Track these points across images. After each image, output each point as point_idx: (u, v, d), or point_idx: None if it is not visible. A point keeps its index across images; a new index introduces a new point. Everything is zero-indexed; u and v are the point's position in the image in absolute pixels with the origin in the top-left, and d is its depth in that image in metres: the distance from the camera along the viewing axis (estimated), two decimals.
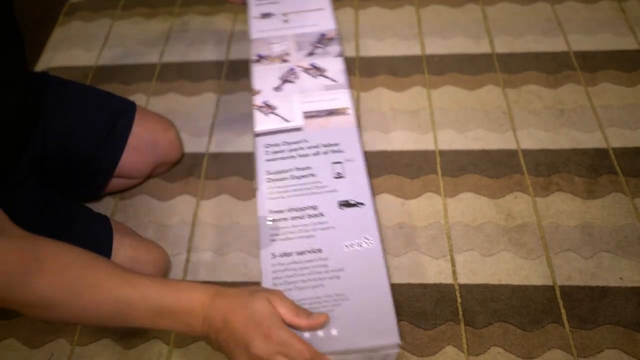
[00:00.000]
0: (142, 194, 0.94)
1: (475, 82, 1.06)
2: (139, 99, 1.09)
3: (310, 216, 0.58)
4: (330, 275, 0.54)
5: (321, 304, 0.52)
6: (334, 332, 0.50)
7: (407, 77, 1.08)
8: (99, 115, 0.83)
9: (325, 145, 0.64)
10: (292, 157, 0.63)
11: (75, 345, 0.78)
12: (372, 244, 0.56)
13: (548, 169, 0.91)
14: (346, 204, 0.59)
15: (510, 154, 0.94)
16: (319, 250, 0.56)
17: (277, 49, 0.76)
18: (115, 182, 0.90)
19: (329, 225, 0.57)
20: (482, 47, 1.12)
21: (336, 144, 0.64)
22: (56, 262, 0.48)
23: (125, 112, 0.86)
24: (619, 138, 0.94)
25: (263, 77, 0.72)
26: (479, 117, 1.00)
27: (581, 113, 0.99)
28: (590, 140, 0.95)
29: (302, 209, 0.59)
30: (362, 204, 0.59)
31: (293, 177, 0.62)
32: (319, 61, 0.74)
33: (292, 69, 0.73)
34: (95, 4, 1.32)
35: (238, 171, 0.96)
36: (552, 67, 1.07)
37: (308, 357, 0.48)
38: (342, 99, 0.69)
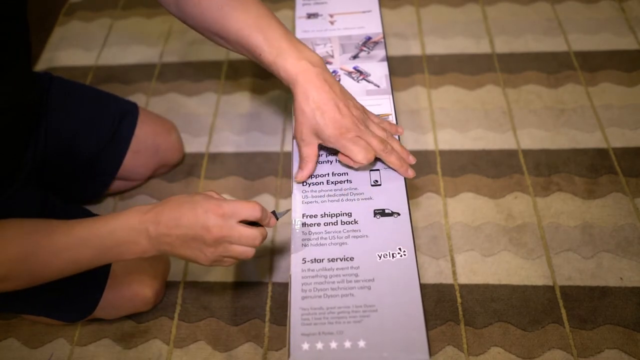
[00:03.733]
0: (142, 194, 0.94)
1: (475, 82, 1.06)
2: (139, 99, 1.09)
3: (344, 223, 0.57)
4: (361, 285, 0.53)
5: (350, 314, 0.51)
6: (362, 343, 0.49)
7: (408, 77, 1.08)
8: (101, 117, 0.83)
9: None
10: (330, 161, 0.62)
11: (75, 345, 0.78)
12: (405, 255, 0.54)
13: (548, 169, 0.91)
14: (382, 213, 0.58)
15: (511, 154, 0.94)
16: (351, 259, 0.55)
17: (320, 50, 0.75)
18: (115, 184, 0.90)
19: (362, 234, 0.56)
20: (482, 47, 1.12)
21: None
22: None
23: (128, 115, 0.86)
24: (619, 138, 0.94)
25: None
26: (479, 117, 1.00)
27: (581, 113, 0.99)
28: (590, 140, 0.95)
29: (336, 215, 0.58)
30: (398, 213, 0.58)
31: (329, 182, 0.61)
32: (363, 65, 0.73)
33: (335, 72, 0.72)
34: (95, 4, 1.32)
35: (238, 171, 0.96)
36: (553, 67, 1.06)
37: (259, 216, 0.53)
38: (384, 104, 0.68)
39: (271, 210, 0.57)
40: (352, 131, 0.56)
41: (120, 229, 0.52)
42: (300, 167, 0.60)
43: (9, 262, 0.51)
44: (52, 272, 0.53)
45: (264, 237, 0.55)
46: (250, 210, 0.53)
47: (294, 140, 0.62)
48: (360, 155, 0.56)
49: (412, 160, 0.60)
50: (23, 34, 0.66)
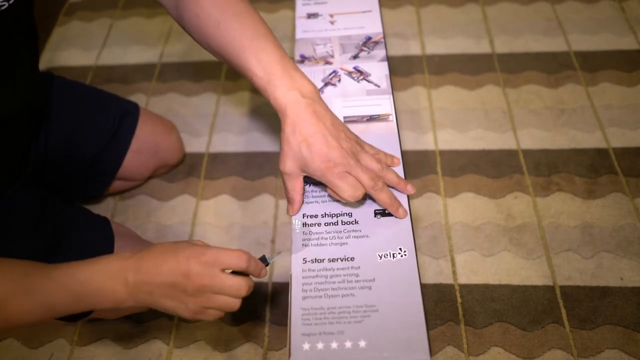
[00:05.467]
0: (142, 194, 0.94)
1: (475, 82, 1.06)
2: (139, 99, 1.09)
3: (344, 223, 0.57)
4: (361, 285, 0.53)
5: (350, 314, 0.51)
6: (362, 343, 0.49)
7: (408, 77, 1.08)
8: (102, 117, 0.83)
9: None
10: None
11: (74, 346, 0.78)
12: (406, 255, 0.54)
13: (548, 169, 0.91)
14: (382, 213, 0.58)
15: (511, 154, 0.94)
16: (352, 259, 0.55)
17: (320, 50, 0.75)
18: (115, 184, 0.90)
19: (363, 234, 0.56)
20: (482, 47, 1.12)
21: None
22: None
23: (128, 115, 0.86)
24: (620, 138, 0.94)
25: None
26: (479, 117, 1.00)
27: (581, 113, 0.99)
28: (590, 140, 0.95)
29: (336, 215, 0.58)
30: None
31: None
32: (363, 65, 0.72)
33: (335, 72, 0.72)
34: (94, 4, 1.32)
35: (238, 171, 0.96)
36: (553, 67, 1.06)
37: (245, 266, 0.51)
38: (384, 104, 0.67)
39: (259, 256, 0.55)
40: (340, 166, 0.53)
41: (99, 275, 0.49)
42: (288, 202, 0.59)
43: None
44: (26, 316, 0.49)
45: (250, 288, 0.51)
46: (235, 259, 0.50)
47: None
48: (347, 193, 0.54)
49: (410, 189, 0.58)
50: (31, 36, 0.65)
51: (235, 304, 0.51)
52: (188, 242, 0.53)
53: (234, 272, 0.51)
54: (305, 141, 0.54)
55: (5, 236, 0.66)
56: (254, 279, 0.53)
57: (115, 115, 0.84)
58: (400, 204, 0.57)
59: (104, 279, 0.49)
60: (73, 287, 0.49)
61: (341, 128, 0.57)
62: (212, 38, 0.59)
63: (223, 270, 0.50)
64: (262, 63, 0.56)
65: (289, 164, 0.55)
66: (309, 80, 0.57)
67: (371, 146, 0.60)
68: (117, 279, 0.49)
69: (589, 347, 0.73)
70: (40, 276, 0.49)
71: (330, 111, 0.57)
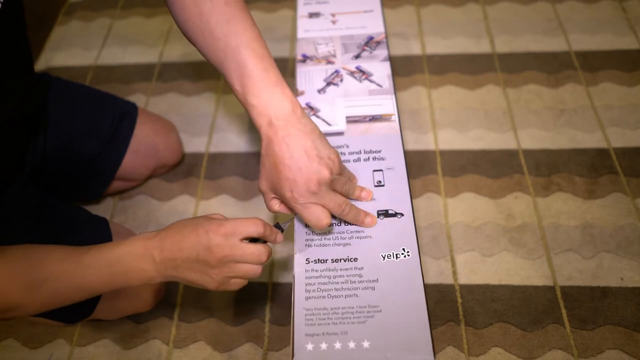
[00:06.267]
0: (142, 194, 0.94)
1: (475, 82, 1.06)
2: (139, 99, 1.08)
3: (347, 223, 0.57)
4: (365, 286, 0.53)
5: (354, 315, 0.51)
6: (366, 344, 0.49)
7: (408, 77, 1.07)
8: (101, 117, 0.83)
9: (366, 152, 0.63)
10: None
11: (74, 346, 0.78)
12: (409, 255, 0.54)
13: (548, 169, 0.91)
14: (385, 214, 0.58)
15: (511, 154, 0.94)
16: (355, 259, 0.55)
17: (322, 49, 0.75)
18: (114, 184, 0.90)
19: (366, 234, 0.56)
20: (482, 46, 1.12)
21: (378, 151, 0.63)
22: (6, 267, 0.50)
23: (127, 115, 0.85)
24: (620, 138, 0.94)
25: (307, 78, 0.71)
26: (480, 117, 1.00)
27: (582, 113, 0.99)
28: (590, 140, 0.94)
29: None
30: (401, 214, 0.57)
31: None
32: (365, 64, 0.72)
33: (337, 72, 0.72)
34: (94, 4, 1.31)
35: (238, 171, 0.96)
36: (553, 66, 1.06)
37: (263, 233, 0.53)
38: (387, 104, 0.67)
39: (273, 223, 0.56)
40: (303, 198, 0.53)
41: (126, 256, 0.52)
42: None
43: (21, 291, 0.50)
44: (63, 299, 0.53)
45: (270, 254, 0.54)
46: (252, 227, 0.52)
47: None
48: (311, 223, 0.54)
49: (366, 196, 0.59)
50: (22, 38, 0.65)
51: (257, 270, 0.53)
52: (206, 216, 0.54)
53: (252, 241, 0.53)
54: (274, 167, 0.53)
55: (4, 236, 0.65)
56: (272, 246, 0.54)
57: (114, 115, 0.84)
58: (366, 215, 0.57)
59: (131, 260, 0.52)
60: (104, 270, 0.52)
61: (314, 153, 0.53)
62: (199, 45, 0.59)
63: (242, 239, 0.52)
64: (241, 79, 0.55)
65: (263, 184, 0.56)
66: (289, 98, 0.55)
67: (347, 171, 0.59)
68: (143, 258, 0.52)
69: (590, 347, 0.72)
70: (72, 262, 0.52)
71: (306, 132, 0.54)
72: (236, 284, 0.54)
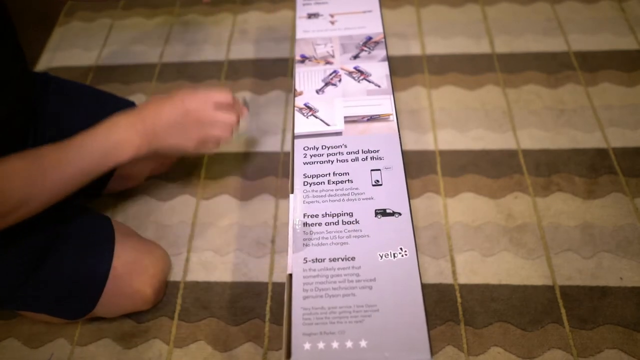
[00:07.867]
0: (142, 194, 0.94)
1: (475, 82, 1.06)
2: (139, 99, 1.09)
3: (345, 223, 0.57)
4: (362, 285, 0.53)
5: (351, 314, 0.51)
6: (363, 343, 0.49)
7: (408, 77, 1.08)
8: (100, 116, 0.82)
9: (364, 152, 0.63)
10: (330, 161, 0.62)
11: (75, 345, 0.78)
12: (407, 255, 0.54)
13: (548, 169, 0.91)
14: (383, 213, 0.58)
15: (511, 154, 0.94)
16: (352, 259, 0.55)
17: (321, 50, 0.75)
18: (114, 184, 0.90)
19: (363, 233, 0.56)
20: (482, 47, 1.12)
21: (376, 151, 0.63)
22: (4, 167, 0.53)
23: None
24: (619, 138, 0.94)
25: (306, 79, 0.72)
26: (479, 117, 1.00)
27: (581, 113, 0.99)
28: (590, 140, 0.95)
29: (337, 215, 0.58)
30: (399, 213, 0.58)
31: (330, 182, 0.60)
32: (364, 65, 0.73)
33: (335, 72, 0.72)
34: (95, 4, 1.32)
35: (238, 171, 0.96)
36: (552, 67, 1.06)
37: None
38: (385, 104, 0.67)
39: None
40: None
41: (113, 131, 0.58)
42: None
43: (23, 186, 0.53)
44: (64, 186, 0.57)
45: (238, 121, 0.65)
46: (223, 94, 0.63)
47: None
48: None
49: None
50: (10, 34, 0.66)
51: (227, 134, 0.64)
52: (178, 90, 0.62)
53: None
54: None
55: (4, 232, 0.66)
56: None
57: (112, 113, 0.83)
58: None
59: (119, 133, 0.59)
60: (96, 148, 0.57)
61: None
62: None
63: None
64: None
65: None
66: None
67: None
68: (129, 130, 0.59)
69: (589, 347, 0.73)
70: (63, 149, 0.56)
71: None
72: (210, 146, 0.63)
